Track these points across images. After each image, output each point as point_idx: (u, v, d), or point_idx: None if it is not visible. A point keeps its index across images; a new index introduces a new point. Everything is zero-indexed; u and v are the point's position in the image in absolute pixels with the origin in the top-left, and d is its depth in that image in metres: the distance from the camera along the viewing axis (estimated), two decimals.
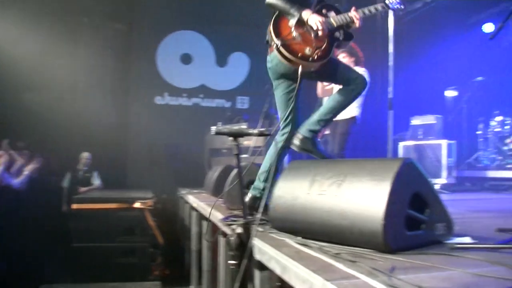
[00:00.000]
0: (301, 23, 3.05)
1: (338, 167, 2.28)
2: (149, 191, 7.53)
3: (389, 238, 1.83)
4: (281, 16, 3.11)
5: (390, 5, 3.33)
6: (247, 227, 2.18)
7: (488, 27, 8.57)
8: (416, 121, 7.67)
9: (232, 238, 2.17)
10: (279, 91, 3.29)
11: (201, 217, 4.92)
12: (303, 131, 3.20)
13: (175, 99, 9.94)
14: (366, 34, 6.00)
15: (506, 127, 7.49)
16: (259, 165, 3.72)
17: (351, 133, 5.38)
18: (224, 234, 3.13)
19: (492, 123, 7.66)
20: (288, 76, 3.17)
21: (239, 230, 2.16)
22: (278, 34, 3.02)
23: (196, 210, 5.19)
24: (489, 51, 7.64)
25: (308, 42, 3.03)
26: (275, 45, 2.98)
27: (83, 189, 8.21)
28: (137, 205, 6.70)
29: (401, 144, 7.55)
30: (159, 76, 9.86)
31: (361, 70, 5.33)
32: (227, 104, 10.22)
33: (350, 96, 3.22)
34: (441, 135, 7.39)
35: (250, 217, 2.46)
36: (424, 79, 8.87)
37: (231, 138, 2.35)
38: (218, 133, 2.46)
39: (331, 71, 3.20)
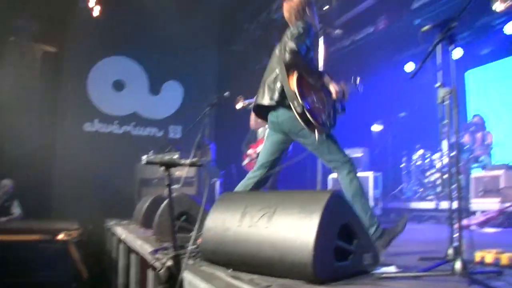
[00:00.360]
0: (318, 87, 3.11)
1: (269, 199, 2.30)
2: (75, 221, 7.18)
3: (318, 269, 1.86)
4: (302, 76, 3.03)
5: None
6: (177, 259, 2.13)
7: (409, 67, 9.18)
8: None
9: (161, 271, 2.11)
10: (272, 140, 3.32)
11: (129, 249, 4.75)
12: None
13: (106, 126, 9.68)
14: None
15: (426, 161, 7.95)
16: (190, 196, 3.69)
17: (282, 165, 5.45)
18: (153, 268, 3.04)
19: (414, 156, 8.10)
20: (288, 132, 3.19)
21: (169, 262, 2.11)
22: (304, 96, 2.93)
23: (124, 242, 5.01)
24: (411, 88, 8.14)
25: (323, 108, 3.08)
26: (299, 107, 2.88)
27: (1, 219, 7.69)
28: (60, 236, 6.35)
29: (330, 176, 7.76)
30: (90, 102, 9.58)
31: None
32: (159, 133, 10.09)
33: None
34: (368, 167, 7.70)
35: (180, 249, 2.41)
36: (352, 113, 9.23)
37: (162, 168, 2.31)
38: (149, 162, 2.41)
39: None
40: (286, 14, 3.50)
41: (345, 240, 2.05)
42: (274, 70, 3.26)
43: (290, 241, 1.97)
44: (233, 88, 6.05)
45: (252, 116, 5.73)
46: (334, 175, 7.72)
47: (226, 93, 5.77)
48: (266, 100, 3.20)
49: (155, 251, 2.77)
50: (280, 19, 9.62)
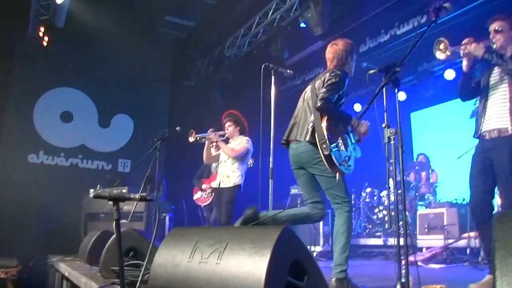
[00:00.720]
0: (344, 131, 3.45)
1: (220, 234, 2.29)
2: (14, 258, 6.81)
3: None
4: (331, 122, 3.32)
5: None
6: None
7: (357, 107, 9.53)
8: (294, 190, 8.03)
9: None
10: (303, 179, 3.67)
11: (74, 287, 4.54)
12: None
13: (51, 158, 9.36)
14: (251, 104, 6.30)
15: (374, 198, 8.15)
16: (139, 231, 3.60)
17: (236, 201, 5.44)
18: None
19: (363, 193, 8.29)
20: (305, 163, 3.51)
21: None
22: (332, 141, 3.25)
23: (68, 280, 4.78)
24: None
25: (345, 150, 3.40)
26: (326, 150, 3.20)
27: None
28: None
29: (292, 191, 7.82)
30: (35, 133, 9.27)
31: (244, 139, 5.55)
32: (108, 167, 9.86)
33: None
34: None
35: (128, 286, 2.34)
36: None
37: (111, 202, 2.25)
38: (97, 196, 2.34)
39: None
40: (329, 55, 3.76)
41: (296, 276, 2.06)
42: (308, 110, 3.54)
43: (241, 278, 1.95)
44: (184, 123, 6.06)
45: (205, 150, 5.75)
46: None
47: (178, 128, 5.77)
48: (297, 137, 3.51)
49: None
50: (232, 57, 9.81)
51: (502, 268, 1.31)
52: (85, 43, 9.17)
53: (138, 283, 2.34)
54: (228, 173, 5.46)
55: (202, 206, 7.05)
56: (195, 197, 7.12)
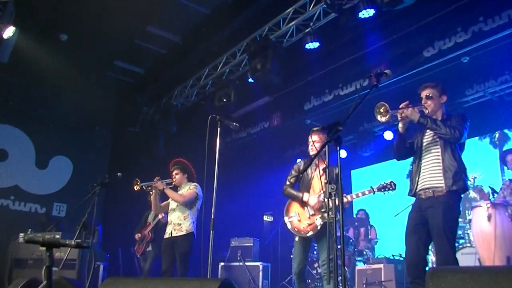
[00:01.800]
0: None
1: (158, 286, 2.23)
2: None
3: None
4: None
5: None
6: None
7: (299, 162, 9.70)
8: (235, 242, 7.95)
9: None
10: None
11: None
12: None
13: None
14: (195, 155, 6.30)
15: (314, 252, 8.18)
16: (70, 280, 3.42)
17: (192, 251, 5.24)
18: None
19: None
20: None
21: None
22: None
23: None
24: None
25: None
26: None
27: None
28: None
29: (221, 264, 7.68)
30: None
31: (192, 185, 5.49)
32: (42, 210, 9.37)
33: None
34: (257, 257, 7.74)
35: None
36: (245, 204, 9.43)
37: (43, 248, 2.14)
38: (29, 241, 2.21)
39: None
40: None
41: None
42: None
43: None
44: (126, 169, 5.94)
45: (153, 200, 5.58)
46: (225, 263, 7.64)
47: (119, 174, 5.64)
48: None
49: None
50: (179, 106, 9.85)
51: None
52: (29, 80, 8.93)
53: None
54: (179, 221, 5.32)
55: (138, 256, 6.89)
56: (135, 248, 6.99)
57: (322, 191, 4.41)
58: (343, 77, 8.07)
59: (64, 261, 5.35)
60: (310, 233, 4.43)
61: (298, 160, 4.75)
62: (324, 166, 4.63)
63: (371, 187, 4.55)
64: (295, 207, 4.67)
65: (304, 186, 4.66)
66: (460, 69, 7.00)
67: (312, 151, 4.66)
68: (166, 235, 5.41)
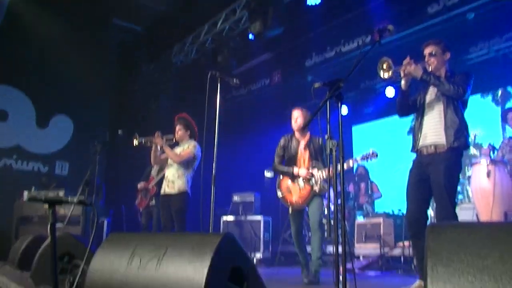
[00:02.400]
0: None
1: (159, 240, 2.26)
2: None
3: None
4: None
5: None
6: None
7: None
8: (237, 197, 8.05)
9: None
10: None
11: None
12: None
13: None
14: (195, 111, 6.27)
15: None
16: (75, 236, 3.48)
17: (187, 209, 5.30)
18: None
19: None
20: None
21: None
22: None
23: None
24: None
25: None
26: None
27: None
28: None
29: (223, 219, 7.80)
30: None
31: (192, 144, 5.48)
32: (44, 169, 9.44)
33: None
34: (259, 211, 7.86)
35: None
36: (246, 160, 9.48)
37: (46, 205, 2.16)
38: (32, 199, 2.24)
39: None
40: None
41: (236, 282, 2.07)
42: None
43: (181, 284, 1.94)
44: (126, 127, 5.93)
45: (153, 152, 5.61)
46: (226, 218, 7.76)
47: (120, 132, 5.64)
48: None
49: None
50: (179, 63, 9.75)
51: (433, 274, 1.38)
52: (26, 40, 8.79)
53: None
54: (173, 179, 5.33)
55: (141, 210, 6.86)
56: (137, 201, 6.96)
57: (309, 164, 4.71)
58: (345, 33, 7.94)
59: (68, 218, 5.43)
60: (302, 204, 4.71)
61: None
62: (308, 139, 4.83)
63: (355, 158, 4.74)
64: (286, 182, 4.85)
65: (291, 161, 4.81)
66: (465, 26, 6.86)
67: (295, 126, 4.86)
68: (162, 191, 5.47)
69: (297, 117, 4.86)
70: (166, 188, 5.36)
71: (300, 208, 4.77)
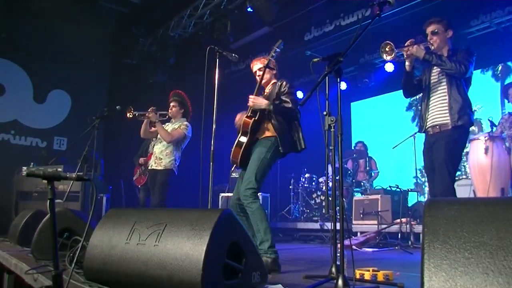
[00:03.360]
0: None
1: (159, 216, 2.27)
2: None
3: None
4: None
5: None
6: (58, 279, 1.99)
7: (299, 94, 9.70)
8: (235, 174, 8.08)
9: None
10: None
11: (2, 268, 4.34)
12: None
13: None
14: (193, 86, 6.22)
15: (313, 183, 8.35)
16: (74, 212, 3.50)
17: (170, 184, 5.41)
18: None
19: (302, 179, 8.47)
20: None
21: (49, 283, 1.97)
22: None
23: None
24: (302, 115, 8.54)
25: None
26: None
27: None
28: None
29: (222, 195, 7.84)
30: None
31: (184, 124, 5.49)
32: (42, 144, 9.43)
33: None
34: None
35: (62, 268, 2.27)
36: None
37: (45, 181, 2.16)
38: (30, 174, 2.22)
39: None
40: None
41: (234, 258, 2.09)
42: None
43: (179, 260, 1.95)
44: (124, 102, 5.90)
45: (144, 125, 5.62)
46: (225, 194, 7.80)
47: (118, 107, 5.62)
48: None
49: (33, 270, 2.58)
50: (177, 37, 9.64)
51: (429, 251, 1.39)
52: (21, 13, 8.67)
53: (73, 264, 2.28)
54: (161, 156, 5.42)
55: (139, 186, 6.90)
56: (134, 177, 6.98)
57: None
58: (345, 6, 7.84)
59: (67, 193, 5.45)
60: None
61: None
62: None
63: None
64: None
65: None
66: None
67: (258, 79, 4.18)
68: (149, 166, 5.55)
69: (259, 68, 4.18)
70: (153, 164, 5.45)
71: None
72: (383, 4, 3.09)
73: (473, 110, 3.67)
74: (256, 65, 4.15)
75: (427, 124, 3.70)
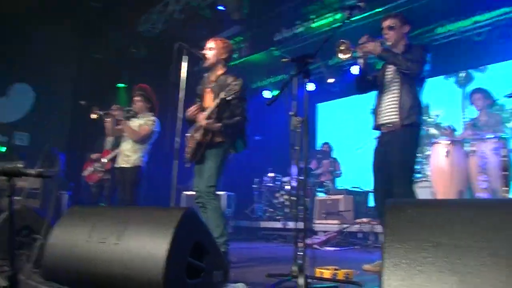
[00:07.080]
0: None
1: (120, 214, 2.24)
2: None
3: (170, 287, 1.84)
4: None
5: None
6: (14, 279, 1.93)
7: (267, 94, 9.77)
8: None
9: None
10: None
11: None
12: None
13: None
14: (161, 82, 6.15)
15: (277, 183, 8.40)
16: (34, 209, 3.41)
17: (141, 180, 5.30)
18: None
19: (266, 178, 8.51)
20: None
21: (5, 283, 1.91)
22: None
23: None
24: (268, 114, 8.57)
25: None
26: None
27: None
28: None
29: (184, 194, 7.77)
30: None
31: (151, 118, 5.39)
32: (2, 139, 9.11)
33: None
34: (222, 187, 7.88)
35: (19, 267, 2.20)
36: None
37: (4, 178, 2.10)
38: None
39: None
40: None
41: (197, 257, 2.08)
42: None
43: (141, 259, 1.93)
44: (90, 97, 5.79)
45: (109, 123, 5.51)
46: (188, 192, 7.73)
47: (82, 102, 5.50)
48: None
49: None
50: (146, 33, 9.51)
51: (389, 251, 1.42)
52: None
53: (31, 263, 2.21)
54: (128, 153, 5.28)
55: (91, 183, 6.49)
56: (85, 173, 6.62)
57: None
58: (316, 9, 7.91)
59: (26, 190, 5.30)
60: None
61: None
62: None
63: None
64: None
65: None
66: (432, 5, 6.93)
67: (206, 62, 4.18)
68: (116, 164, 5.42)
69: (211, 48, 4.12)
70: (121, 162, 5.31)
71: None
72: (354, 9, 3.14)
73: (434, 114, 3.71)
74: (210, 44, 4.13)
75: (379, 121, 3.68)
